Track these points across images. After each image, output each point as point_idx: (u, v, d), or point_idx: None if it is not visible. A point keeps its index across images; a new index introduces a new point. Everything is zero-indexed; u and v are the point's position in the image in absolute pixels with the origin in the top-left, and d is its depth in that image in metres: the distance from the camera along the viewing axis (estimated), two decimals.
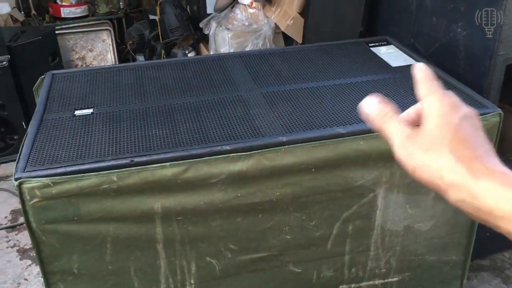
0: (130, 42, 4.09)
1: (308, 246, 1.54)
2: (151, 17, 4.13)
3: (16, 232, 2.44)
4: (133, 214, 1.33)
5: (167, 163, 1.29)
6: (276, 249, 1.52)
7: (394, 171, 1.47)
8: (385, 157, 1.43)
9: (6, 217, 2.54)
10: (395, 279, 1.70)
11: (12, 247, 2.34)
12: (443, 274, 1.75)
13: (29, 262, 2.23)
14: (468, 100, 1.55)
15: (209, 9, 3.88)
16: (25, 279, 2.14)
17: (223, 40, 3.46)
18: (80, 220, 1.30)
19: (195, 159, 1.31)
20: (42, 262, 1.35)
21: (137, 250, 1.40)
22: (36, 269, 2.18)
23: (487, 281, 2.05)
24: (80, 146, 1.36)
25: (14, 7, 3.82)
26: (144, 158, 1.29)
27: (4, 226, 2.47)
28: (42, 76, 1.81)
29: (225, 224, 1.42)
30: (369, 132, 1.40)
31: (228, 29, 3.46)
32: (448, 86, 1.65)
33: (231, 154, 1.32)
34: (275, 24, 3.36)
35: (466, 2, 1.74)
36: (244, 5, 3.51)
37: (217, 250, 1.47)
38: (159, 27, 3.90)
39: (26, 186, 1.22)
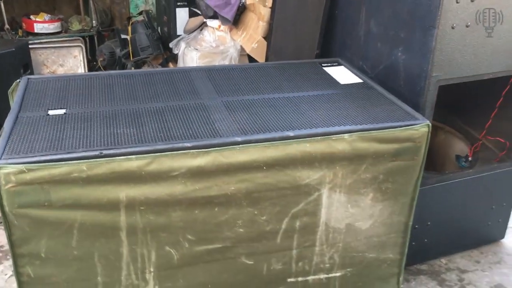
0: (101, 59, 4.23)
1: (260, 239, 1.70)
2: (123, 36, 4.29)
3: None
4: (99, 202, 1.46)
5: (133, 156, 1.44)
6: (230, 241, 1.67)
7: (337, 172, 1.66)
8: (328, 159, 1.62)
9: None
10: (338, 274, 1.86)
11: None
12: (382, 271, 1.93)
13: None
14: (403, 114, 1.76)
15: (179, 30, 4.08)
16: (5, 274, 2.21)
17: (191, 59, 3.64)
18: (50, 206, 1.42)
19: (158, 153, 1.46)
20: (12, 245, 1.46)
21: (102, 237, 1.53)
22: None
23: (425, 284, 2.24)
24: (53, 140, 1.49)
25: None
26: (112, 151, 1.44)
27: None
28: (18, 80, 1.94)
29: (184, 215, 1.57)
30: (314, 136, 1.59)
31: (196, 49, 3.65)
32: (388, 102, 1.87)
33: (191, 151, 1.48)
34: (241, 46, 3.57)
35: (404, 29, 1.98)
36: (212, 28, 3.72)
37: (176, 240, 1.61)
38: (130, 45, 4.06)
39: (2, 171, 1.35)
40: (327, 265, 1.84)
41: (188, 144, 1.49)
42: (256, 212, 1.65)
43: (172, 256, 1.63)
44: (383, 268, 1.92)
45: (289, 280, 1.82)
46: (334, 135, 1.61)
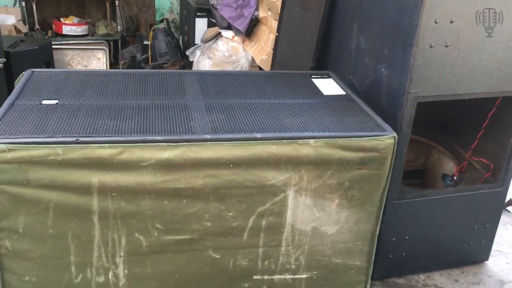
0: (122, 62, 4.43)
1: (226, 234, 1.79)
2: (145, 42, 4.49)
3: None
4: (74, 185, 1.58)
5: (106, 144, 1.56)
6: (197, 233, 1.76)
7: (302, 176, 1.73)
8: (293, 162, 1.70)
9: None
10: (304, 276, 1.93)
11: None
12: (348, 278, 1.98)
13: None
14: (374, 125, 1.83)
15: (197, 40, 4.26)
16: None
17: (204, 67, 3.79)
18: (28, 184, 1.55)
19: (129, 144, 1.58)
20: None
21: (76, 219, 1.65)
22: None
23: None
24: (38, 126, 1.63)
25: (19, 20, 4.18)
26: (88, 139, 1.57)
27: None
28: (23, 72, 2.10)
29: (153, 204, 1.68)
30: (281, 138, 1.68)
31: (209, 58, 3.79)
32: (363, 114, 1.94)
33: (160, 144, 1.59)
34: (252, 57, 3.69)
35: (388, 46, 2.05)
36: (227, 38, 3.86)
37: (145, 227, 1.71)
38: (149, 51, 4.24)
39: None
40: (293, 266, 1.90)
41: (159, 138, 1.61)
42: (223, 208, 1.74)
43: (141, 242, 1.73)
44: (349, 275, 1.97)
45: (255, 277, 1.89)
46: (300, 140, 1.69)
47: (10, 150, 1.50)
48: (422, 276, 2.40)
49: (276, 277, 1.91)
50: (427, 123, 2.74)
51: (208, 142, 1.63)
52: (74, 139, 1.56)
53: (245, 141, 1.66)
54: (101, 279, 1.76)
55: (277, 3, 3.30)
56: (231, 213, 1.75)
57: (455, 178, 2.42)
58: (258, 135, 1.68)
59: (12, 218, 1.61)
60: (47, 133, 1.59)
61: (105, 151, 1.56)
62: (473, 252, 2.48)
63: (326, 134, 1.72)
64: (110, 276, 1.77)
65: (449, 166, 2.61)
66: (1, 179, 1.53)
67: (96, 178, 1.59)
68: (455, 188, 2.31)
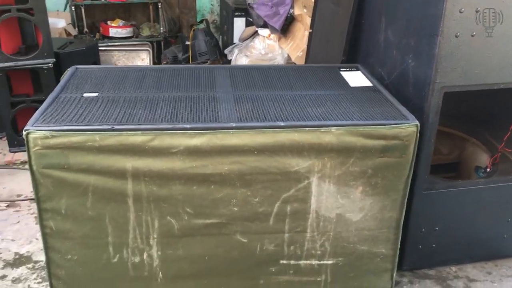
0: (165, 62, 4.60)
1: (253, 219, 1.87)
2: (186, 42, 4.65)
3: None
4: (110, 169, 1.71)
5: (139, 132, 1.68)
6: (225, 218, 1.85)
7: (325, 163, 1.79)
8: (316, 149, 1.76)
9: (32, 191, 2.98)
10: (329, 262, 1.98)
11: (31, 214, 2.77)
12: (374, 265, 2.01)
13: None
14: (397, 114, 1.86)
15: (236, 39, 4.37)
16: (36, 239, 2.55)
17: None
18: (69, 168, 1.69)
19: (160, 131, 1.69)
20: (38, 200, 1.75)
21: (112, 202, 1.77)
22: None
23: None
24: (78, 115, 1.77)
25: (69, 23, 4.43)
26: (122, 126, 1.69)
27: (29, 197, 2.92)
28: (68, 69, 2.26)
29: (183, 189, 1.78)
30: (304, 126, 1.74)
31: (246, 56, 3.89)
32: (388, 103, 1.97)
33: (188, 131, 1.70)
34: (288, 54, 3.76)
35: (414, 37, 2.07)
36: (263, 36, 3.95)
37: (176, 211, 1.82)
38: (190, 50, 4.39)
39: (31, 136, 1.64)
40: (319, 252, 1.95)
41: (187, 126, 1.71)
42: (249, 193, 1.82)
43: (172, 225, 1.84)
44: (375, 262, 2.01)
45: (281, 262, 1.96)
46: (322, 128, 1.75)
47: (52, 136, 1.65)
48: (453, 268, 2.39)
49: (302, 262, 1.97)
50: (461, 116, 2.73)
51: (234, 130, 1.72)
52: (109, 127, 1.68)
53: (268, 129, 1.73)
54: (137, 259, 1.88)
55: (312, 0, 3.36)
56: (257, 199, 1.83)
57: (488, 170, 2.40)
58: (282, 123, 1.75)
59: (55, 200, 1.75)
60: (86, 121, 1.72)
61: (138, 138, 1.68)
62: (508, 245, 2.45)
63: (349, 122, 1.77)
64: (145, 257, 1.88)
65: (483, 158, 2.59)
66: (45, 163, 1.68)
67: (130, 163, 1.71)
68: (486, 179, 2.30)
